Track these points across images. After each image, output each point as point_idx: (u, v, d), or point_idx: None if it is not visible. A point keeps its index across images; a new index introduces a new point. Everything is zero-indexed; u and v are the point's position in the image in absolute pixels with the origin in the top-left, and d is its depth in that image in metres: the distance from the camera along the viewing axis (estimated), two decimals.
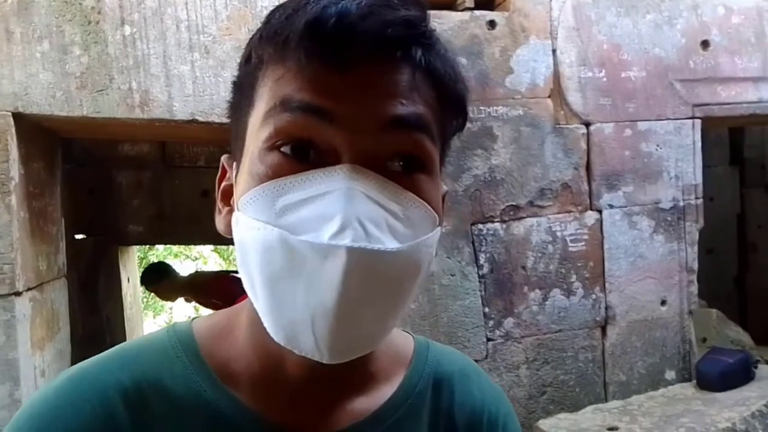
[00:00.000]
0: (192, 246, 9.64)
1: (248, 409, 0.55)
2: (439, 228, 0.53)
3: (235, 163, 0.56)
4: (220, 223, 0.58)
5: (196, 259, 12.57)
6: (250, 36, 0.56)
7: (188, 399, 0.54)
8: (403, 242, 0.48)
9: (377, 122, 0.48)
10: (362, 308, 0.47)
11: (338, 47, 0.47)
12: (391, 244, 0.47)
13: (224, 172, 0.60)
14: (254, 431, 0.55)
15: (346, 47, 0.47)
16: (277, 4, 2.12)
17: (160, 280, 4.10)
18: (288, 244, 0.46)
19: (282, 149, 0.49)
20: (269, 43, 0.51)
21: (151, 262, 4.61)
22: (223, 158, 0.60)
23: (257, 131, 0.51)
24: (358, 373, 0.59)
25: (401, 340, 0.67)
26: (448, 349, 0.71)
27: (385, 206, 0.48)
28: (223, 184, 0.60)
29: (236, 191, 0.53)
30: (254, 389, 0.56)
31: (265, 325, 0.50)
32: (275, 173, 0.49)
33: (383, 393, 0.61)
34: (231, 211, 0.56)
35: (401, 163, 0.50)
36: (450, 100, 0.54)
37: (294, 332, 0.48)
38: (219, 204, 0.60)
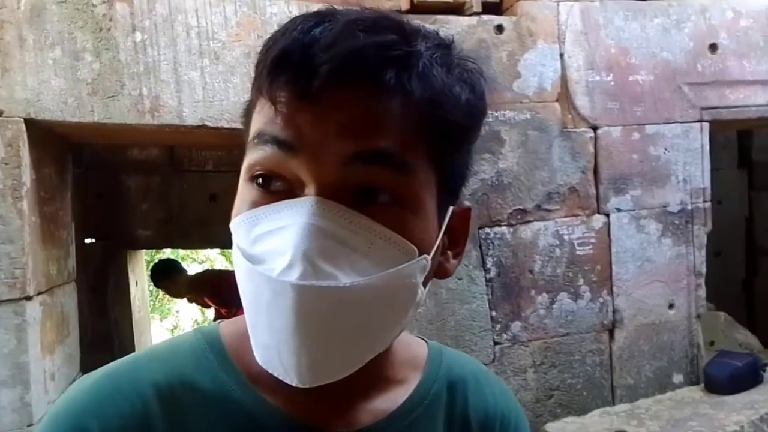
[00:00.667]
0: (200, 250, 9.67)
1: (275, 407, 0.57)
2: (422, 258, 0.52)
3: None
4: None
5: (203, 262, 12.62)
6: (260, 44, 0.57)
7: (218, 397, 0.56)
8: (363, 274, 0.48)
9: (339, 156, 0.48)
10: (325, 340, 0.48)
11: (302, 80, 0.47)
12: (346, 279, 0.47)
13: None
14: (282, 428, 0.57)
15: (311, 78, 0.47)
16: (285, 11, 2.12)
17: (171, 277, 4.13)
18: (252, 275, 0.49)
19: (258, 180, 0.51)
20: (255, 74, 0.53)
21: (160, 259, 4.63)
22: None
23: (245, 159, 0.54)
24: (374, 376, 0.60)
25: (415, 345, 0.69)
26: (460, 354, 0.73)
27: (345, 240, 0.48)
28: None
29: (234, 211, 0.56)
30: (278, 389, 0.56)
31: (252, 345, 0.53)
32: (251, 204, 0.51)
33: (400, 395, 0.62)
34: None
35: (370, 194, 0.49)
36: (439, 120, 0.51)
37: (267, 357, 0.51)
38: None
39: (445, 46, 0.54)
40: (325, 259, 0.47)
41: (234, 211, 0.54)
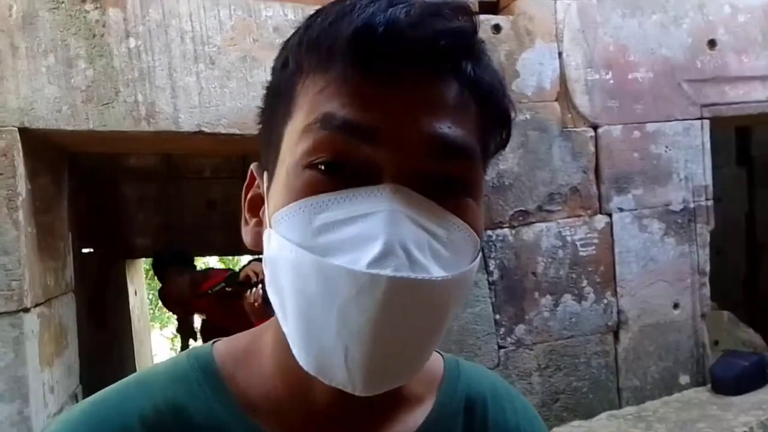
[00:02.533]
0: (198, 257, 9.64)
1: None
2: (480, 253, 0.51)
3: (266, 174, 0.53)
4: (246, 236, 0.55)
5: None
6: (287, 40, 0.53)
7: (208, 428, 0.52)
8: (447, 268, 0.45)
9: (424, 143, 0.45)
10: (401, 339, 0.44)
11: (386, 58, 0.44)
12: (436, 272, 0.44)
13: (252, 180, 0.57)
14: None
15: (394, 59, 0.44)
16: (281, 14, 2.10)
17: (179, 268, 3.74)
18: (323, 270, 0.43)
19: (321, 166, 0.46)
20: (311, 51, 0.48)
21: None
22: (253, 166, 0.56)
23: (295, 144, 0.48)
24: (389, 398, 0.55)
25: (431, 359, 0.64)
26: (478, 368, 0.68)
27: (429, 229, 0.45)
28: (251, 193, 0.57)
29: (268, 204, 0.50)
30: (278, 417, 0.53)
31: (294, 352, 0.48)
32: (313, 190, 0.46)
33: (416, 417, 0.58)
34: (259, 223, 0.53)
35: (446, 185, 0.47)
36: (496, 117, 0.51)
37: (325, 362, 0.46)
38: (246, 215, 0.57)
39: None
40: (417, 250, 0.43)
41: (274, 202, 0.48)
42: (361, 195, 0.44)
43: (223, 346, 0.59)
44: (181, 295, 3.76)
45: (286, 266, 0.46)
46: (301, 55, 0.49)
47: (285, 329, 0.49)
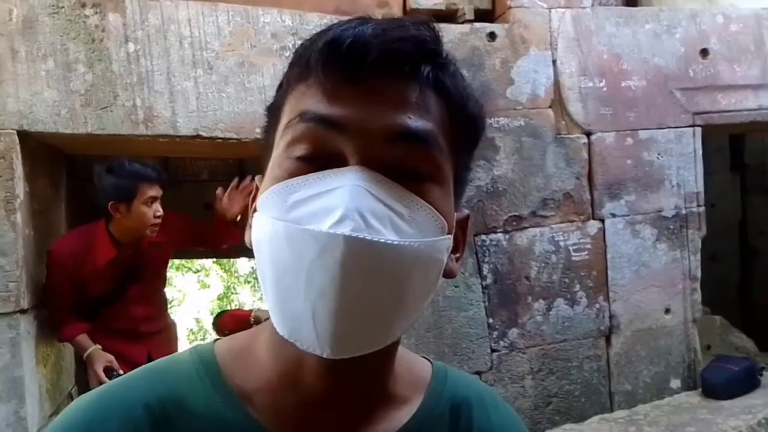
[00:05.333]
0: (195, 259, 9.65)
1: (267, 428, 0.56)
2: (449, 236, 0.55)
3: (260, 177, 0.59)
4: (246, 236, 0.60)
5: (198, 271, 12.59)
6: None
7: (209, 419, 0.56)
8: (406, 238, 0.49)
9: (385, 132, 0.51)
10: (363, 302, 0.48)
11: (352, 62, 0.51)
12: (392, 237, 0.48)
13: (256, 191, 0.62)
14: None
15: (359, 62, 0.51)
16: (278, 20, 2.13)
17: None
18: (292, 235, 0.49)
19: (298, 156, 0.53)
20: (295, 66, 0.56)
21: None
22: (257, 178, 0.62)
23: (278, 141, 0.55)
24: (376, 395, 0.60)
25: (419, 365, 0.68)
26: (465, 374, 0.72)
27: (391, 206, 0.50)
28: (255, 203, 0.61)
29: (258, 197, 0.56)
30: (272, 407, 0.57)
31: (273, 320, 0.53)
32: (290, 176, 0.52)
33: (402, 415, 0.61)
34: None
35: (409, 170, 0.52)
36: (460, 119, 0.56)
37: (297, 325, 0.50)
38: (249, 221, 0.61)
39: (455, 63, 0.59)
40: (375, 218, 0.48)
41: (262, 189, 0.55)
42: (329, 175, 0.51)
43: (223, 344, 0.63)
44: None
45: (265, 239, 0.52)
46: (289, 72, 0.57)
47: (266, 302, 0.53)
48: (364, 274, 0.48)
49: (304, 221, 0.49)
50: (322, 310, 0.48)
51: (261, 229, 0.52)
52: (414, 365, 0.67)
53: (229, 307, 12.58)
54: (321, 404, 0.56)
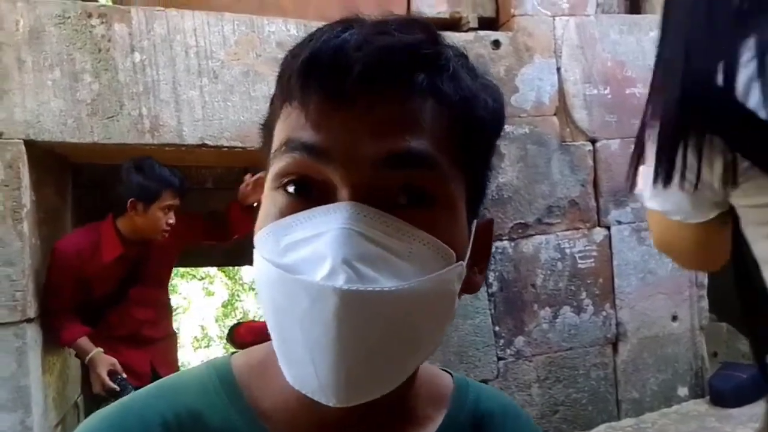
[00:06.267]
0: (200, 267, 9.66)
1: None
2: (459, 264, 0.50)
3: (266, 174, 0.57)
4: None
5: (203, 278, 12.61)
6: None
7: None
8: (404, 279, 0.46)
9: (373, 159, 0.46)
10: (365, 350, 0.46)
11: (334, 81, 0.46)
12: (389, 283, 0.45)
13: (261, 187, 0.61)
14: None
15: (342, 80, 0.46)
16: (283, 29, 2.13)
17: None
18: (286, 283, 0.46)
19: (287, 188, 0.49)
20: (278, 84, 0.52)
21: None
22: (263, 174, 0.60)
23: (270, 169, 0.52)
24: (397, 415, 0.58)
25: (439, 379, 0.65)
26: (488, 389, 0.69)
27: (384, 244, 0.46)
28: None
29: (256, 228, 0.53)
30: (290, 427, 0.55)
31: (279, 362, 0.50)
32: (281, 213, 0.49)
33: None
34: None
35: (406, 196, 0.48)
36: (467, 124, 0.51)
37: (300, 374, 0.48)
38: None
39: (465, 56, 0.54)
40: (367, 264, 0.45)
41: (257, 225, 0.51)
42: (318, 214, 0.47)
43: (240, 358, 0.61)
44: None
45: (263, 281, 0.49)
46: (276, 88, 0.53)
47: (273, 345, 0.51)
48: (362, 323, 0.44)
49: (297, 269, 0.46)
50: (321, 361, 0.45)
51: (259, 271, 0.50)
52: (434, 380, 0.64)
53: (233, 314, 12.59)
54: (340, 426, 0.54)
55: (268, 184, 0.51)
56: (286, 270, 0.46)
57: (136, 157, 2.48)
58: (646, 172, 0.79)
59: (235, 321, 12.76)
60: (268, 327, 0.51)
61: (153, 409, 0.55)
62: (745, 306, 0.84)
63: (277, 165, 0.50)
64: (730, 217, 0.77)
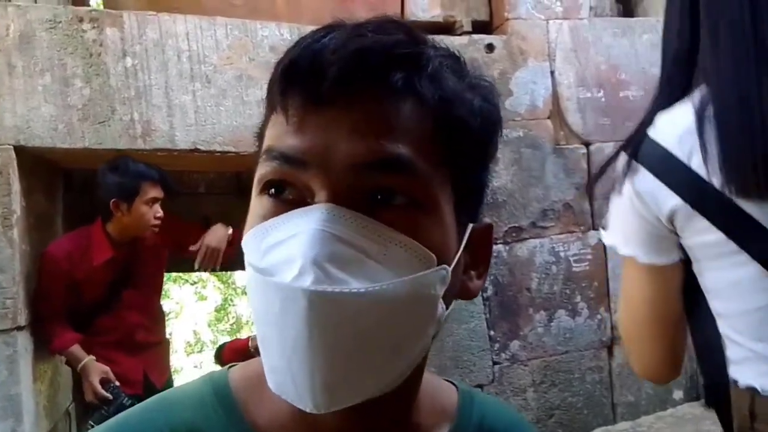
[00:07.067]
0: (192, 273, 9.62)
1: None
2: (441, 268, 0.49)
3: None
4: None
5: (195, 283, 12.56)
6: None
7: None
8: (377, 282, 0.45)
9: (349, 161, 0.46)
10: (338, 353, 0.45)
11: (312, 85, 0.47)
12: (359, 284, 0.44)
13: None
14: None
15: (319, 84, 0.46)
16: (276, 33, 2.11)
17: None
18: (263, 286, 0.46)
19: (270, 191, 0.50)
20: (267, 93, 0.52)
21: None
22: None
23: (255, 178, 0.52)
24: (399, 427, 0.57)
25: (444, 391, 0.64)
26: (494, 401, 0.68)
27: (359, 246, 0.46)
28: None
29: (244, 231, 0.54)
30: None
31: (265, 372, 0.50)
32: (263, 216, 0.49)
33: None
34: None
35: (384, 199, 0.47)
36: (446, 125, 0.49)
37: (279, 380, 0.48)
38: None
39: (455, 57, 0.53)
40: (337, 266, 0.44)
41: (245, 229, 0.52)
42: (295, 217, 0.47)
43: (238, 371, 0.60)
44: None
45: (249, 288, 0.50)
46: (267, 96, 0.53)
47: None
48: (332, 325, 0.44)
49: (272, 272, 0.46)
50: (296, 366, 0.45)
51: (246, 274, 0.50)
52: (438, 393, 0.63)
53: (225, 318, 12.55)
54: None
55: (253, 189, 0.52)
56: (263, 273, 0.47)
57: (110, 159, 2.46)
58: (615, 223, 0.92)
59: (228, 325, 12.73)
60: (256, 334, 0.51)
61: (150, 423, 0.55)
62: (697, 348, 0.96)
63: (259, 172, 0.50)
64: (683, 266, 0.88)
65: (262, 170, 0.50)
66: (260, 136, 0.54)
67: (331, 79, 0.46)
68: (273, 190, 0.49)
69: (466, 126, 0.51)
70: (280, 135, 0.49)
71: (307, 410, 0.47)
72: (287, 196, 0.49)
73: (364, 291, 0.44)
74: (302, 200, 0.48)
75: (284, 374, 0.47)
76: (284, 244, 0.46)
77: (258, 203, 0.51)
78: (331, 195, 0.46)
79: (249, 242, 0.49)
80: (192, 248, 2.70)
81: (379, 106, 0.47)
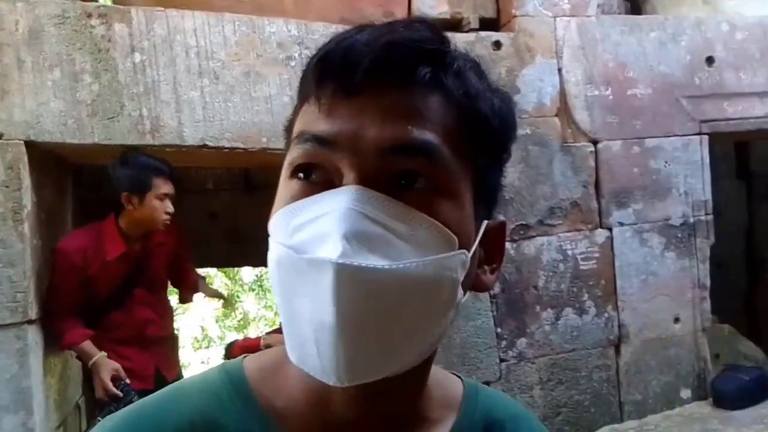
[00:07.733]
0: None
1: None
2: (462, 251, 0.51)
3: None
4: None
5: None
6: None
7: None
8: (403, 260, 0.47)
9: (379, 144, 0.49)
10: (362, 327, 0.47)
11: (345, 75, 0.50)
12: (385, 261, 0.46)
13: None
14: None
15: (352, 73, 0.49)
16: (284, 29, 2.13)
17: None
18: (293, 262, 0.48)
19: (300, 175, 0.52)
20: (300, 85, 0.55)
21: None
22: None
23: (284, 162, 0.54)
24: (407, 417, 0.58)
25: (450, 383, 0.66)
26: (498, 394, 0.70)
27: (387, 225, 0.48)
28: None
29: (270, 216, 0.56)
30: (303, 426, 0.56)
31: (286, 345, 0.52)
32: (293, 198, 0.51)
33: None
34: None
35: (410, 182, 0.50)
36: (471, 120, 0.52)
37: (304, 352, 0.50)
38: None
39: (475, 61, 0.56)
40: (366, 243, 0.46)
41: (272, 212, 0.54)
42: (325, 197, 0.49)
43: (252, 361, 0.61)
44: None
45: (274, 264, 0.51)
46: (298, 91, 0.56)
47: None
48: (358, 300, 0.46)
49: (302, 248, 0.48)
50: (323, 338, 0.47)
51: (271, 253, 0.51)
52: (445, 384, 0.65)
53: (233, 314, 12.58)
54: (351, 427, 0.55)
55: (282, 173, 0.54)
56: (293, 250, 0.48)
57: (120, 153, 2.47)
58: None
59: (236, 321, 12.74)
60: (279, 312, 0.52)
61: (167, 413, 0.56)
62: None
63: (290, 156, 0.53)
64: None
65: (293, 154, 0.52)
66: (289, 128, 0.57)
67: (363, 70, 0.49)
68: (302, 174, 0.52)
69: (488, 123, 0.54)
70: (312, 121, 0.51)
71: (330, 383, 0.49)
72: (316, 180, 0.51)
73: (390, 268, 0.47)
74: (330, 183, 0.50)
75: (309, 347, 0.48)
76: (315, 222, 0.48)
77: (286, 186, 0.53)
78: (360, 177, 0.49)
79: (278, 222, 0.52)
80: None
81: (408, 95, 0.50)
